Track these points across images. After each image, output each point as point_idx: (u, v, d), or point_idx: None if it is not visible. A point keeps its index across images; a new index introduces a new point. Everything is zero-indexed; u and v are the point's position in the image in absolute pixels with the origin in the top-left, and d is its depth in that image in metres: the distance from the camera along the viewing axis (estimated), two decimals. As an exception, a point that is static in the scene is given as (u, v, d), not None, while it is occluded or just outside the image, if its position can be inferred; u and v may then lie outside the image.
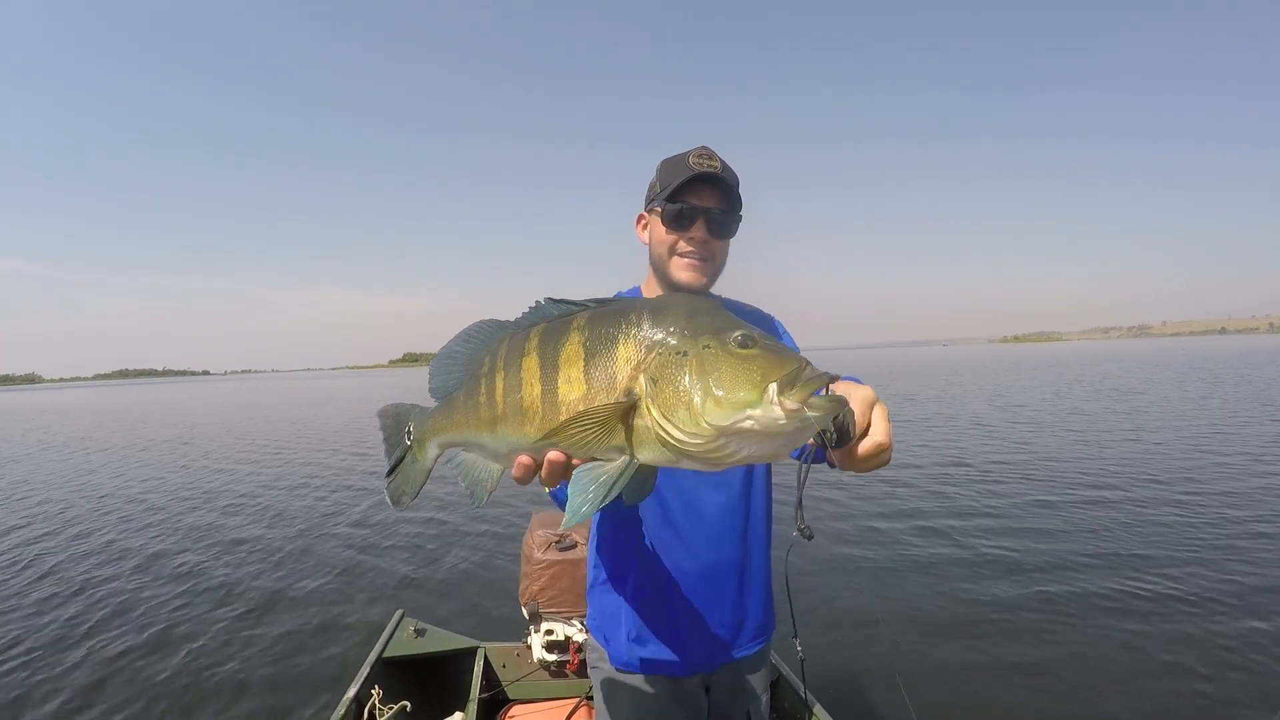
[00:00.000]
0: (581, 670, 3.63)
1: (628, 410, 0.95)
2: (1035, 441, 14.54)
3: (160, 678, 5.23)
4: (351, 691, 3.32)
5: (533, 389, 1.05)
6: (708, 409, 0.87)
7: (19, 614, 6.70)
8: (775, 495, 1.96)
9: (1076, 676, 4.79)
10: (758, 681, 1.95)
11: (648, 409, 0.93)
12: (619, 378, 0.97)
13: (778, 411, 0.85)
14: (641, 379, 0.95)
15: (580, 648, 3.61)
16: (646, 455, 0.96)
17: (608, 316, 1.03)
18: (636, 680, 1.82)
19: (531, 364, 1.06)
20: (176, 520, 10.47)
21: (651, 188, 1.78)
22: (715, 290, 1.85)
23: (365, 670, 3.55)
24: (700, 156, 1.69)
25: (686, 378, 0.90)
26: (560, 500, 1.54)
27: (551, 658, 3.70)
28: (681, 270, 1.73)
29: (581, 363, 1.00)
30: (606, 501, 0.96)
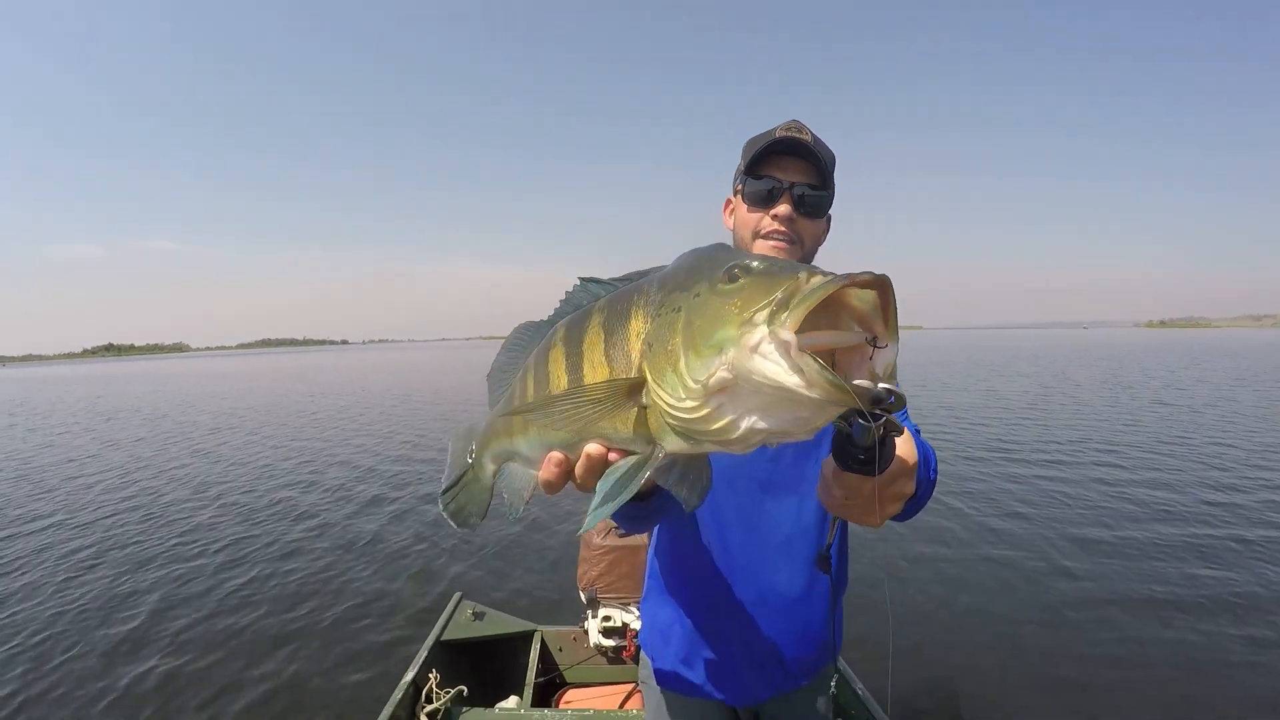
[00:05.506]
0: (638, 657, 3.63)
1: (634, 388, 0.84)
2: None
3: (213, 658, 5.29)
4: (409, 675, 3.37)
5: (559, 382, 0.97)
6: (690, 364, 0.75)
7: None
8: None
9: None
10: (818, 710, 1.82)
11: (649, 383, 0.82)
12: (634, 355, 0.86)
13: (763, 348, 0.69)
14: (646, 350, 0.84)
15: (638, 635, 3.62)
16: (665, 442, 0.84)
17: (624, 293, 0.94)
18: (682, 703, 1.75)
19: (558, 356, 0.98)
20: (260, 496, 10.69)
21: (738, 171, 1.63)
22: None
23: (423, 654, 3.61)
24: (789, 128, 1.53)
25: (674, 335, 0.79)
26: (621, 519, 1.42)
27: (609, 643, 3.70)
28: (766, 252, 1.54)
29: (602, 346, 0.91)
30: (624, 498, 0.86)
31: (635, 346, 0.86)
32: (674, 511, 1.40)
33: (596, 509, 0.87)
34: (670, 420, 0.80)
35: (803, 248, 1.58)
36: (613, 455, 0.91)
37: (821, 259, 1.68)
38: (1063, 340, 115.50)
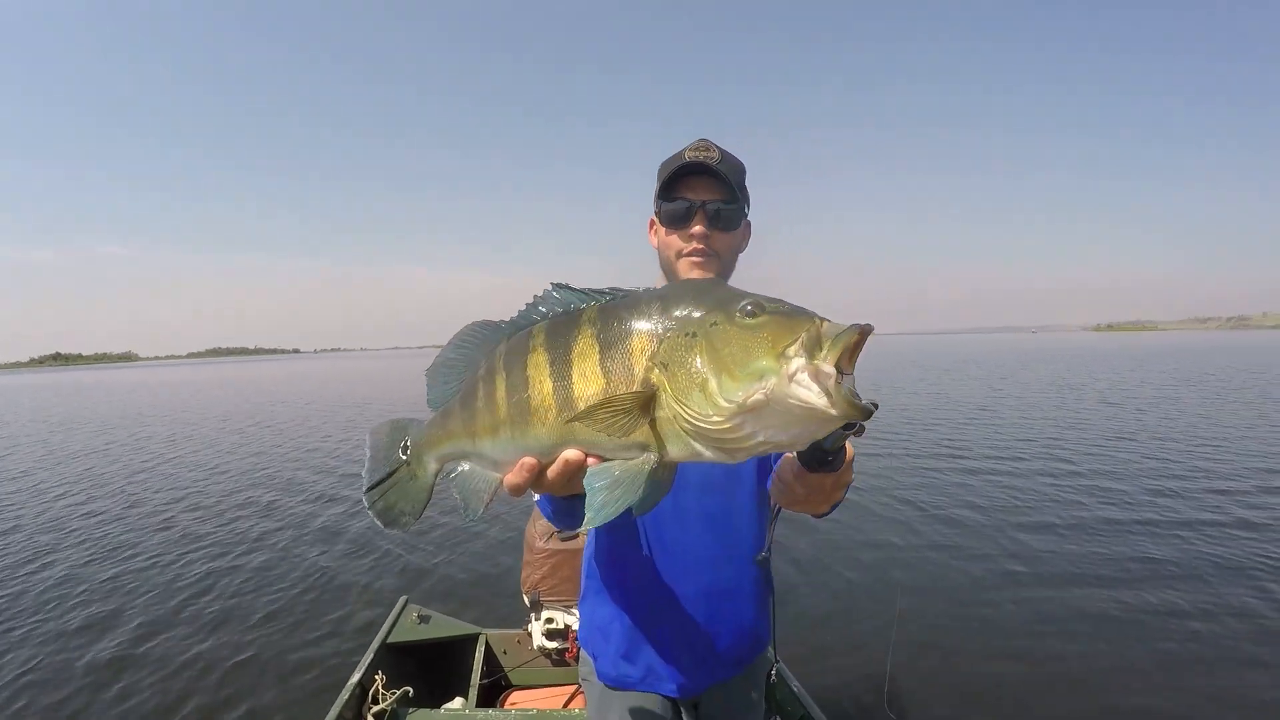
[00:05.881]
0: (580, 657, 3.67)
1: (648, 402, 0.92)
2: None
3: (162, 662, 5.31)
4: (355, 677, 3.38)
5: (542, 386, 1.01)
6: (723, 386, 0.84)
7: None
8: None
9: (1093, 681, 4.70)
10: (751, 699, 1.91)
11: (664, 398, 0.90)
12: (636, 370, 0.94)
13: (803, 380, 0.80)
14: (656, 368, 0.92)
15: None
16: (669, 450, 0.93)
17: (618, 308, 1.00)
18: (625, 698, 1.79)
19: (539, 361, 1.02)
20: (204, 502, 10.81)
21: (656, 194, 1.71)
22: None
23: (369, 656, 3.62)
24: (696, 149, 1.62)
25: (697, 359, 0.88)
26: (549, 511, 1.48)
27: (552, 645, 3.73)
28: (687, 270, 1.66)
29: (596, 356, 0.97)
30: (632, 502, 0.94)
31: (640, 362, 0.93)
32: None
33: (600, 509, 0.93)
34: (688, 430, 0.89)
35: (720, 260, 1.67)
36: (590, 461, 0.99)
37: (745, 273, 1.76)
38: (1011, 344, 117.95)
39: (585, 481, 0.96)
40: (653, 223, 1.74)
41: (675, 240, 1.66)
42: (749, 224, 1.74)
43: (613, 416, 0.92)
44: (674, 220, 1.64)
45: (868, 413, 0.80)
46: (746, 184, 1.70)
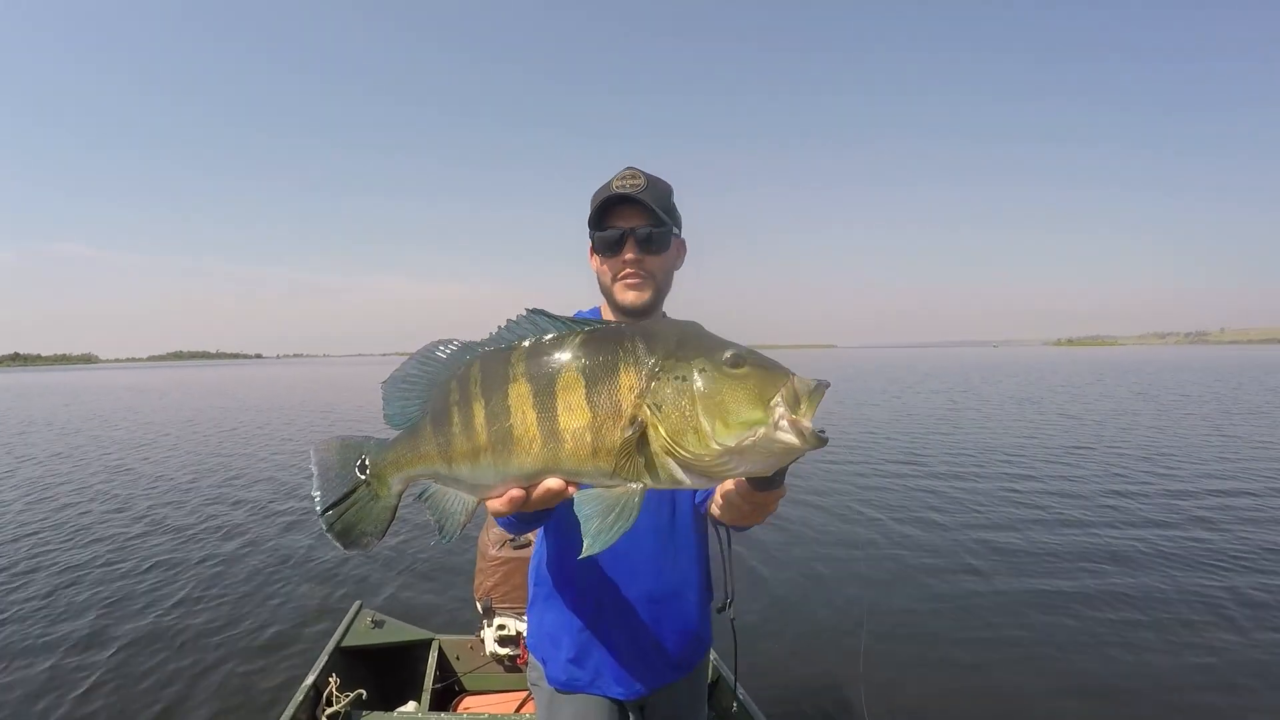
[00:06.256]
0: None
1: (641, 439, 0.99)
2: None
3: (120, 662, 5.30)
4: (310, 679, 3.42)
5: (526, 416, 1.04)
6: (717, 431, 0.94)
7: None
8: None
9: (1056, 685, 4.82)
10: (694, 699, 1.99)
11: (655, 435, 0.98)
12: (624, 406, 0.99)
13: (785, 426, 0.92)
14: (646, 406, 0.98)
15: (528, 641, 3.70)
16: (658, 479, 1.02)
17: (603, 343, 1.04)
18: (574, 701, 1.83)
19: (522, 390, 1.05)
20: (158, 504, 10.76)
21: (589, 222, 1.79)
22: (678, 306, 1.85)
23: (323, 659, 3.65)
24: (623, 179, 1.70)
25: (689, 402, 0.96)
26: (506, 520, 1.47)
27: (504, 651, 3.77)
28: (623, 292, 1.73)
29: (582, 389, 1.01)
30: (627, 529, 1.01)
31: (627, 399, 1.00)
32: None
33: (597, 537, 1.01)
34: (679, 464, 0.98)
35: (655, 281, 1.75)
36: (571, 489, 1.06)
37: (686, 281, 1.87)
38: (972, 358, 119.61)
39: (576, 509, 1.03)
40: (592, 249, 1.82)
41: (610, 267, 1.74)
42: (682, 242, 1.83)
43: (626, 459, 1.00)
44: (607, 248, 1.73)
45: (825, 443, 0.93)
46: (675, 203, 1.79)
